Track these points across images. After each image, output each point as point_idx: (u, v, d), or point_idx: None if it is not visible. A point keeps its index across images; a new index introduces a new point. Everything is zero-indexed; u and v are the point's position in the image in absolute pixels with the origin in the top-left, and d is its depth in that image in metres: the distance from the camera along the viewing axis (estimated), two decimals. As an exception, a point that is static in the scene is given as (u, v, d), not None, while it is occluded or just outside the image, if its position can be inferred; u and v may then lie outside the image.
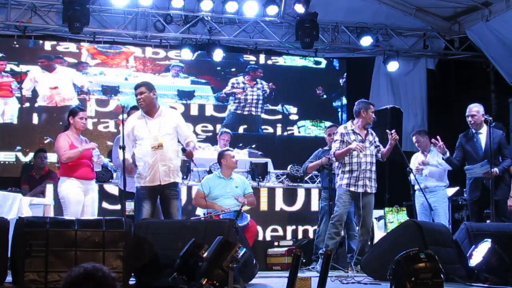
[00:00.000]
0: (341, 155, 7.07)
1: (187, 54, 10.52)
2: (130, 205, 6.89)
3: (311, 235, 9.11)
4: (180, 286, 4.32)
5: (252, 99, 11.38)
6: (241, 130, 11.23)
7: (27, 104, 10.28)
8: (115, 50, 10.84)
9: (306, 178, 9.65)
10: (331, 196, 7.63)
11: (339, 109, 11.71)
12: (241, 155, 10.00)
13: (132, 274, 5.02)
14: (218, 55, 10.61)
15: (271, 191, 9.21)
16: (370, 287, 5.54)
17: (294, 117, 11.54)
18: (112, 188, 8.63)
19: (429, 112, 11.69)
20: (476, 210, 7.40)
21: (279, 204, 9.23)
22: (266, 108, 11.43)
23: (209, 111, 11.15)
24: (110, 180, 8.68)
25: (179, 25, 10.56)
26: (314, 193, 9.26)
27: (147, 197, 6.22)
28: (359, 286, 5.57)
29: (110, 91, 10.72)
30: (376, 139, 7.29)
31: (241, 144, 10.87)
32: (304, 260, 7.52)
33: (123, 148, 6.54)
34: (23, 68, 10.30)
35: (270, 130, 11.44)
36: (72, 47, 10.60)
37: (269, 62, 11.54)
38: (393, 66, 11.18)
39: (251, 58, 11.44)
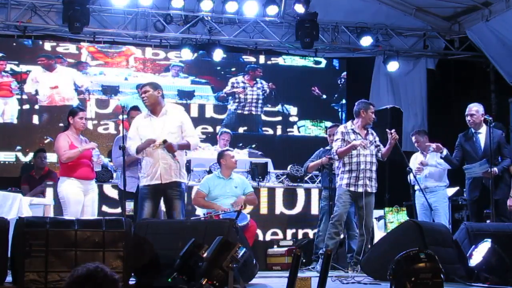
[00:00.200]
0: (344, 152, 7.07)
1: (187, 54, 10.52)
2: (130, 205, 6.89)
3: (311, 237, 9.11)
4: (180, 286, 4.32)
5: (252, 98, 11.38)
6: (241, 130, 11.23)
7: (27, 104, 10.27)
8: (115, 50, 10.84)
9: (306, 178, 9.65)
10: (331, 196, 7.63)
11: (339, 109, 11.71)
12: (241, 155, 9.99)
13: (132, 274, 5.02)
14: (218, 55, 10.62)
15: (271, 193, 9.20)
16: (370, 287, 5.54)
17: (294, 117, 11.53)
18: (111, 191, 8.62)
19: (429, 112, 11.69)
20: (475, 210, 7.41)
21: (279, 208, 9.24)
22: (266, 108, 11.42)
23: (209, 113, 11.14)
24: (110, 180, 8.68)
25: (179, 25, 10.56)
26: (314, 196, 9.25)
27: (149, 196, 6.22)
28: (359, 286, 5.58)
29: (110, 91, 10.72)
30: (377, 138, 7.29)
31: (241, 144, 10.87)
32: (304, 260, 7.53)
33: (123, 148, 6.56)
34: (23, 68, 10.30)
35: (270, 130, 11.44)
36: (72, 47, 10.60)
37: (269, 62, 11.54)
38: (393, 66, 11.18)
39: (251, 58, 11.43)
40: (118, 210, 7.68)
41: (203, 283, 3.86)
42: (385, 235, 7.09)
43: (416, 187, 8.24)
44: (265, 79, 11.45)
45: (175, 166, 6.20)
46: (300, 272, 5.99)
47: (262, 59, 11.47)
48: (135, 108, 7.58)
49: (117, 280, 2.29)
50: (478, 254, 5.53)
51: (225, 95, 11.27)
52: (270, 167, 9.70)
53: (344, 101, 11.68)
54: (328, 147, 8.25)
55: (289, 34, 10.86)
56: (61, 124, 9.24)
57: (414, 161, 8.41)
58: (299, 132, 11.55)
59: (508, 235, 5.96)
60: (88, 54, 10.68)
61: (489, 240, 5.56)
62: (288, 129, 11.50)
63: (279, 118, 11.49)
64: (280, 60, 11.62)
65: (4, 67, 10.22)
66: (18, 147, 10.17)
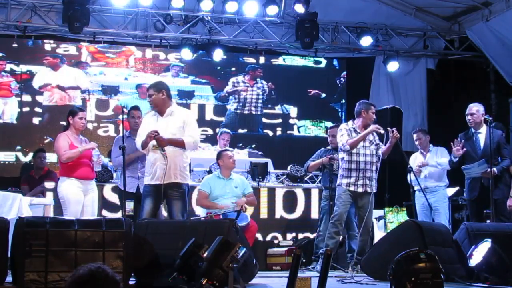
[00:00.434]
0: (357, 142, 7.05)
1: (187, 54, 10.52)
2: (130, 205, 6.89)
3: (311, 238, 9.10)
4: (180, 286, 4.32)
5: (252, 98, 11.38)
6: (241, 130, 11.22)
7: (27, 106, 10.27)
8: (115, 50, 10.84)
9: (306, 178, 9.64)
10: (332, 196, 7.63)
11: (339, 109, 11.70)
12: (241, 155, 9.99)
13: (132, 274, 5.02)
14: (218, 55, 10.62)
15: (271, 196, 9.17)
16: (370, 287, 5.55)
17: (294, 117, 11.53)
18: (111, 195, 8.60)
19: (429, 112, 11.69)
20: (475, 210, 7.42)
21: (279, 212, 9.23)
22: (266, 108, 11.42)
23: (209, 115, 11.12)
24: (110, 180, 8.67)
25: (179, 25, 10.56)
26: (314, 199, 9.22)
27: (150, 196, 6.22)
28: (359, 286, 5.58)
29: (110, 91, 10.72)
30: (376, 138, 7.30)
31: (241, 144, 10.87)
32: (304, 260, 7.53)
33: (123, 148, 6.56)
34: (23, 68, 10.30)
35: (270, 130, 11.44)
36: (72, 47, 10.60)
37: (269, 62, 11.54)
38: (393, 66, 11.18)
39: (251, 58, 11.43)
40: (119, 214, 7.65)
41: (203, 283, 3.86)
42: (385, 235, 7.09)
43: (416, 187, 8.24)
44: (265, 79, 11.45)
45: (174, 167, 6.16)
46: (300, 272, 5.99)
47: (262, 59, 11.47)
48: (135, 108, 7.58)
49: (118, 281, 2.29)
50: (478, 254, 5.54)
51: (226, 94, 11.27)
52: (270, 167, 9.70)
53: (344, 101, 11.68)
54: (328, 147, 8.25)
55: (289, 34, 10.86)
56: (62, 123, 9.24)
57: (414, 161, 8.41)
58: (299, 132, 11.54)
59: (508, 235, 5.96)
60: (88, 54, 10.68)
61: (489, 240, 5.56)
62: (288, 129, 11.50)
63: (279, 118, 11.49)
64: (280, 60, 11.62)
65: (4, 67, 10.22)
66: (18, 147, 10.17)
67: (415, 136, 8.57)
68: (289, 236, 9.18)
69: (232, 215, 7.07)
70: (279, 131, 11.46)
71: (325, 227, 7.61)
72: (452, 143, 7.45)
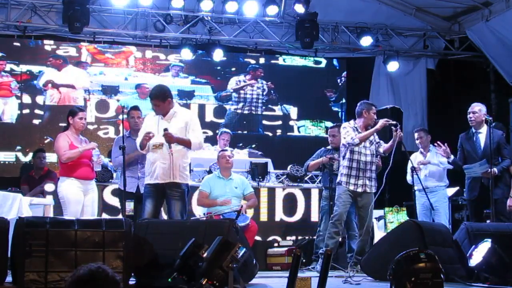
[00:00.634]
0: (366, 137, 7.05)
1: (187, 54, 10.52)
2: (130, 205, 6.89)
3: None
4: (180, 286, 4.32)
5: (252, 98, 11.38)
6: (241, 130, 11.22)
7: (27, 104, 10.27)
8: (115, 50, 10.84)
9: (306, 178, 9.65)
10: (332, 196, 7.63)
11: (339, 109, 11.70)
12: (241, 155, 10.00)
13: (132, 274, 5.02)
14: (218, 55, 10.61)
15: (271, 198, 9.16)
16: (370, 287, 5.54)
17: (294, 117, 11.53)
18: (111, 199, 8.60)
19: (429, 112, 11.69)
20: (475, 209, 7.43)
21: (279, 215, 9.22)
22: (266, 108, 11.42)
23: (209, 117, 11.09)
24: (110, 180, 8.68)
25: (179, 25, 10.56)
26: (314, 202, 9.21)
27: (151, 195, 6.23)
28: (359, 286, 5.57)
29: (110, 91, 10.71)
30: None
31: (241, 144, 10.87)
32: (304, 260, 7.53)
33: (123, 148, 6.56)
34: (23, 68, 10.29)
35: (270, 130, 11.43)
36: (72, 47, 10.60)
37: (269, 62, 11.54)
38: (393, 66, 11.18)
39: (251, 58, 11.42)
40: (119, 217, 7.65)
41: (203, 283, 3.86)
42: (385, 235, 7.10)
43: (416, 187, 8.25)
44: (265, 79, 11.45)
45: (174, 167, 6.17)
46: (300, 272, 5.99)
47: (262, 59, 11.47)
48: (135, 108, 7.58)
49: (118, 281, 2.29)
50: (478, 254, 5.54)
51: (232, 91, 11.22)
52: (270, 167, 9.70)
53: (344, 101, 11.67)
54: (329, 147, 8.25)
55: (289, 34, 10.86)
56: (62, 124, 9.23)
57: (414, 160, 8.41)
58: (299, 132, 11.54)
59: (508, 235, 5.96)
60: (88, 54, 10.67)
61: (489, 240, 5.56)
62: (288, 129, 11.50)
63: (279, 118, 11.49)
64: (280, 60, 11.62)
65: (4, 67, 10.22)
66: (18, 147, 10.17)
67: (416, 135, 8.59)
68: (289, 239, 9.19)
69: (232, 215, 7.07)
70: (279, 131, 11.45)
71: (325, 227, 7.62)
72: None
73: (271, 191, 9.22)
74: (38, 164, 8.82)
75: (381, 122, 7.06)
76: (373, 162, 7.15)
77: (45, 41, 10.49)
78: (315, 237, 8.08)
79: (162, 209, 6.89)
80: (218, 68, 11.24)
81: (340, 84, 11.77)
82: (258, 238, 8.56)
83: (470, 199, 7.45)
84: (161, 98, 6.24)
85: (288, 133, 11.48)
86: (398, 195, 9.19)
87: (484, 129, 7.34)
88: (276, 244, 8.88)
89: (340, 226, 7.11)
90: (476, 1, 10.40)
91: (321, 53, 11.45)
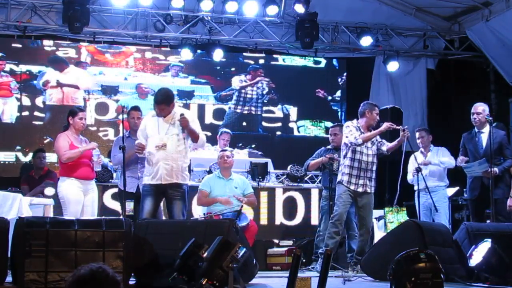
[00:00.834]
0: (369, 138, 7.05)
1: (187, 54, 10.51)
2: (130, 205, 6.89)
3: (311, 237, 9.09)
4: (180, 286, 4.32)
5: (252, 98, 11.38)
6: (241, 129, 11.21)
7: (27, 104, 10.27)
8: (115, 50, 10.84)
9: (306, 178, 9.64)
10: (332, 196, 7.63)
11: (339, 109, 11.70)
12: (241, 155, 9.99)
13: (132, 274, 5.02)
14: (218, 55, 10.61)
15: (271, 200, 9.14)
16: (370, 287, 5.54)
17: (294, 117, 11.53)
18: (112, 203, 8.58)
19: (429, 112, 11.69)
20: (475, 209, 7.43)
21: (279, 218, 9.20)
22: (266, 108, 11.42)
23: (209, 119, 11.08)
24: (110, 180, 8.67)
25: (179, 25, 10.56)
26: (314, 205, 9.19)
27: (150, 195, 6.24)
28: (359, 286, 5.57)
29: (110, 91, 10.72)
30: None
31: (241, 144, 10.87)
32: (304, 260, 7.53)
33: (123, 148, 6.57)
34: (22, 68, 10.30)
35: (270, 130, 11.43)
36: (71, 47, 10.60)
37: (269, 62, 11.53)
38: (393, 66, 11.17)
39: (251, 59, 11.42)
40: (119, 217, 7.65)
41: (203, 283, 3.86)
42: (385, 235, 7.08)
43: (416, 187, 8.26)
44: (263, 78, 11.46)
45: (176, 168, 6.22)
46: (300, 272, 5.99)
47: (262, 59, 11.47)
48: (135, 109, 7.58)
49: (119, 281, 2.29)
50: (478, 254, 5.54)
51: (237, 89, 11.20)
52: (270, 167, 9.70)
53: (344, 101, 11.67)
54: (329, 146, 8.25)
55: (289, 34, 10.85)
56: (62, 124, 9.23)
57: (414, 160, 8.41)
58: (299, 132, 11.54)
59: (508, 235, 5.96)
60: (88, 54, 10.67)
61: (489, 240, 5.56)
62: (288, 129, 11.49)
63: (279, 118, 11.48)
64: (280, 60, 11.62)
65: (3, 67, 10.22)
66: (18, 147, 10.17)
67: (417, 134, 8.60)
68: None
69: (232, 215, 7.07)
70: (279, 131, 11.45)
71: (325, 227, 7.61)
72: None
73: (271, 194, 9.19)
74: (38, 164, 8.81)
75: (386, 125, 7.07)
76: (374, 162, 7.16)
77: (45, 41, 10.49)
78: (315, 237, 8.08)
79: (162, 209, 6.90)
80: (218, 68, 11.24)
81: (340, 84, 11.76)
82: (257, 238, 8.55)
83: (471, 198, 7.47)
84: (167, 103, 6.29)
85: (288, 133, 11.48)
86: (398, 195, 9.18)
87: (486, 129, 7.36)
88: (276, 244, 8.87)
89: (340, 226, 7.11)
90: (476, 1, 10.39)
91: (321, 53, 11.45)
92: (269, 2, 10.19)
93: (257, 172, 9.24)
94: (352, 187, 7.04)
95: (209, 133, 10.77)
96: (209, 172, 8.73)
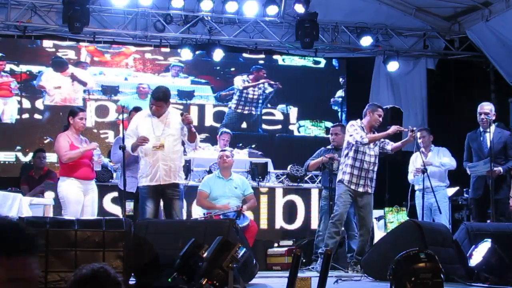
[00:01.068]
0: (376, 139, 7.06)
1: (187, 54, 10.51)
2: (130, 205, 6.89)
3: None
4: (180, 286, 4.32)
5: (253, 98, 11.38)
6: (241, 129, 11.21)
7: (27, 104, 10.27)
8: (115, 50, 10.84)
9: (306, 178, 9.64)
10: (331, 196, 7.63)
11: (339, 109, 11.70)
12: (241, 155, 10.00)
13: (132, 274, 5.02)
14: (218, 55, 10.61)
15: (271, 204, 9.14)
16: (370, 287, 5.54)
17: (294, 117, 11.52)
18: (112, 207, 8.56)
19: (429, 112, 11.68)
20: (478, 209, 7.43)
21: (279, 222, 9.19)
22: (266, 108, 11.42)
23: (209, 121, 11.07)
24: (110, 180, 8.67)
25: (179, 25, 10.56)
26: (314, 210, 9.18)
27: (150, 196, 6.25)
28: (359, 286, 5.57)
29: (110, 91, 10.71)
30: None
31: (241, 144, 10.86)
32: (304, 260, 7.53)
33: (123, 148, 6.56)
34: (22, 68, 10.29)
35: (270, 130, 11.43)
36: (71, 47, 10.60)
37: (269, 62, 11.53)
38: (393, 66, 11.17)
39: (251, 60, 11.42)
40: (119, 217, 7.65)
41: (203, 283, 3.85)
42: (385, 235, 7.09)
43: (416, 187, 8.26)
44: (265, 79, 11.44)
45: (174, 168, 6.25)
46: (300, 272, 5.99)
47: (262, 59, 11.47)
48: (137, 109, 7.56)
49: (120, 282, 2.30)
50: (478, 254, 5.54)
51: (241, 89, 11.20)
52: (270, 167, 9.70)
53: (344, 101, 11.67)
54: (329, 146, 8.24)
55: (289, 34, 10.85)
56: (62, 124, 9.22)
57: (415, 160, 8.42)
58: (299, 132, 11.54)
59: (508, 235, 5.96)
60: (88, 54, 10.67)
61: (489, 240, 5.56)
62: (288, 129, 11.49)
63: (279, 118, 11.48)
64: (280, 60, 11.62)
65: (4, 67, 10.21)
66: (18, 147, 10.17)
67: (419, 134, 8.58)
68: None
69: (232, 215, 7.07)
70: (279, 131, 11.45)
71: (324, 227, 7.61)
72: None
73: (271, 197, 9.17)
74: (38, 164, 8.82)
75: (393, 128, 7.07)
76: (376, 163, 7.17)
77: (45, 41, 10.49)
78: (315, 237, 8.08)
79: (162, 209, 6.90)
80: (218, 68, 11.23)
81: (340, 84, 11.76)
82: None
83: (474, 198, 7.47)
84: (165, 101, 6.31)
85: (288, 133, 11.47)
86: (398, 195, 9.19)
87: (491, 129, 7.36)
88: (276, 244, 8.87)
89: (340, 226, 7.11)
90: (476, 1, 10.39)
91: (321, 53, 11.45)
92: (269, 2, 10.19)
93: (257, 172, 9.25)
94: (353, 187, 7.04)
95: (209, 135, 10.81)
96: (209, 172, 8.73)
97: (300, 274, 4.33)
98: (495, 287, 5.30)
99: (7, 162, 10.11)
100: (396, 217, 8.59)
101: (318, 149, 8.35)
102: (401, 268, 3.99)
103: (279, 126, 11.47)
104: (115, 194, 8.25)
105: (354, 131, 7.06)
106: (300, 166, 9.12)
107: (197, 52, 10.72)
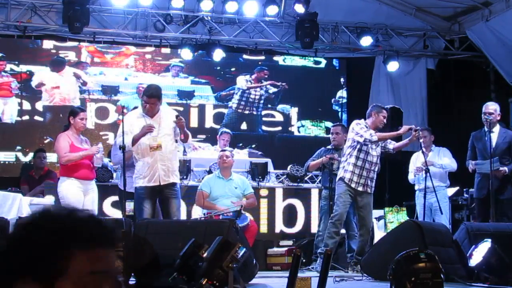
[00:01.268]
0: (385, 137, 7.06)
1: (187, 54, 10.51)
2: (130, 205, 6.89)
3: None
4: (180, 286, 4.32)
5: (255, 99, 11.37)
6: (241, 129, 11.21)
7: (27, 104, 10.27)
8: (115, 50, 10.84)
9: (306, 178, 9.64)
10: (331, 196, 7.63)
11: (339, 109, 11.70)
12: (241, 155, 9.99)
13: (132, 274, 5.02)
14: (218, 55, 10.60)
15: (271, 207, 9.13)
16: (370, 287, 5.54)
17: (294, 117, 11.52)
18: (112, 210, 8.54)
19: (429, 112, 11.68)
20: (482, 208, 7.42)
21: (279, 226, 9.19)
22: (266, 108, 11.42)
23: (209, 123, 11.06)
24: (110, 180, 8.66)
25: (179, 25, 10.55)
26: (314, 213, 9.18)
27: (148, 197, 6.25)
28: (359, 286, 5.57)
29: (110, 91, 10.71)
30: None
31: (241, 144, 10.86)
32: (304, 260, 7.53)
33: (123, 148, 6.56)
34: (23, 68, 10.29)
35: (270, 130, 11.43)
36: (72, 47, 10.59)
37: (269, 62, 11.53)
38: (393, 66, 11.17)
39: (251, 60, 11.42)
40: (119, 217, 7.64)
41: (203, 283, 3.85)
42: (385, 235, 7.10)
43: (416, 187, 8.26)
44: (266, 79, 11.45)
45: (172, 168, 6.29)
46: (300, 272, 5.99)
47: (262, 59, 11.46)
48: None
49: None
50: (478, 254, 5.54)
51: (245, 89, 11.20)
52: (270, 167, 9.69)
53: (344, 101, 11.67)
54: (329, 146, 8.24)
55: (289, 34, 10.85)
56: (62, 124, 9.21)
57: (415, 160, 8.42)
58: (299, 132, 11.53)
59: (508, 235, 5.96)
60: (88, 54, 10.67)
61: (489, 240, 5.56)
62: (288, 129, 11.49)
63: (279, 118, 11.48)
64: (280, 60, 11.62)
65: (4, 67, 10.21)
66: (18, 147, 10.16)
67: (420, 133, 8.58)
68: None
69: (232, 216, 7.07)
70: (279, 131, 11.45)
71: (324, 227, 7.61)
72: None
73: (271, 201, 9.14)
74: (38, 164, 8.82)
75: (404, 128, 7.06)
76: (377, 163, 7.18)
77: (45, 41, 10.49)
78: (315, 237, 8.08)
79: (160, 209, 6.91)
80: (218, 68, 11.23)
81: (340, 84, 11.76)
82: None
83: (478, 197, 7.47)
84: (158, 97, 6.34)
85: (288, 133, 11.47)
86: (398, 195, 9.19)
87: (496, 129, 7.37)
88: (276, 244, 8.87)
89: (340, 226, 7.12)
90: (476, 1, 10.39)
91: (321, 53, 11.44)
92: (269, 2, 10.19)
93: (257, 172, 9.24)
94: (353, 185, 7.04)
95: (209, 135, 10.81)
96: (209, 172, 8.73)
97: (300, 274, 4.33)
98: (495, 287, 5.31)
99: (7, 162, 10.11)
100: (396, 217, 8.58)
101: (318, 149, 8.35)
102: (401, 268, 3.99)
103: (279, 126, 11.46)
104: (115, 198, 8.22)
105: (362, 129, 7.04)
106: (300, 166, 9.12)
107: (197, 52, 10.71)
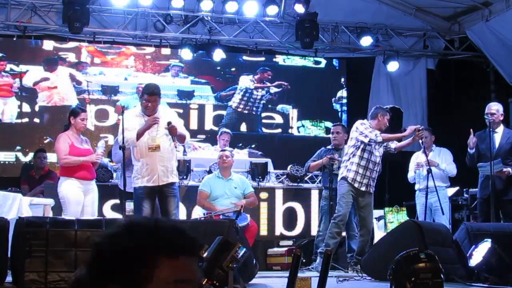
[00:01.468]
0: (390, 139, 7.07)
1: (187, 54, 10.51)
2: (130, 205, 6.89)
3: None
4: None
5: (256, 99, 11.37)
6: (241, 129, 11.21)
7: (27, 105, 10.27)
8: (115, 50, 10.83)
9: (306, 178, 9.64)
10: (332, 196, 7.63)
11: (339, 109, 11.70)
12: (241, 155, 9.98)
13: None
14: (218, 55, 10.60)
15: (271, 209, 9.12)
16: (370, 287, 5.54)
17: (294, 117, 11.52)
18: (110, 213, 8.53)
19: (429, 112, 11.68)
20: (485, 209, 7.42)
21: (279, 229, 9.18)
22: (266, 108, 11.41)
23: (209, 125, 11.05)
24: (110, 180, 8.66)
25: (179, 25, 10.55)
26: (314, 214, 9.17)
27: (147, 197, 6.25)
28: (359, 286, 5.57)
29: (110, 91, 10.70)
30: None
31: (241, 144, 10.85)
32: (304, 260, 7.53)
33: (123, 148, 6.56)
34: (23, 68, 10.29)
35: (270, 130, 11.43)
36: (72, 47, 10.59)
37: (269, 62, 11.53)
38: (393, 66, 11.17)
39: (251, 61, 11.42)
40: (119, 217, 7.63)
41: (203, 283, 3.85)
42: (385, 235, 7.10)
43: (416, 187, 8.26)
44: (269, 80, 11.45)
45: (171, 168, 6.31)
46: (300, 272, 5.99)
47: (262, 59, 11.46)
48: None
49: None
50: (478, 254, 5.54)
51: (251, 87, 11.20)
52: (270, 167, 9.69)
53: (344, 101, 11.66)
54: (329, 146, 8.24)
55: (289, 34, 10.85)
56: (59, 124, 9.21)
57: (415, 160, 8.42)
58: (299, 132, 11.53)
59: (508, 235, 5.97)
60: (88, 54, 10.67)
61: (489, 240, 5.56)
62: (288, 129, 11.49)
63: (279, 118, 11.48)
64: (280, 60, 11.62)
65: (4, 67, 10.21)
66: (18, 147, 10.16)
67: (423, 133, 8.58)
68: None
69: (232, 216, 7.07)
70: (279, 131, 11.45)
71: (324, 227, 7.61)
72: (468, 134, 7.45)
73: (271, 203, 9.13)
74: (38, 164, 8.82)
75: (411, 128, 7.06)
76: (380, 163, 7.18)
77: (45, 41, 10.49)
78: (315, 237, 8.08)
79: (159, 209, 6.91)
80: (218, 68, 11.23)
81: (340, 84, 11.76)
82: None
83: (482, 197, 7.46)
84: (159, 95, 6.36)
85: (288, 133, 11.47)
86: (398, 195, 9.19)
87: (500, 129, 7.37)
88: (276, 244, 8.87)
89: (342, 227, 7.13)
90: (476, 1, 10.39)
91: (321, 53, 11.44)
92: (269, 2, 10.19)
93: (257, 172, 9.24)
94: (356, 185, 7.04)
95: (209, 136, 10.80)
96: (209, 172, 8.72)
97: (300, 274, 4.33)
98: (495, 287, 5.31)
99: (7, 162, 10.11)
100: (396, 217, 8.59)
101: (318, 149, 8.35)
102: (401, 268, 4.00)
103: (279, 126, 11.45)
104: (116, 201, 8.20)
105: (366, 129, 7.05)
106: (300, 166, 9.11)
107: (197, 52, 10.71)
